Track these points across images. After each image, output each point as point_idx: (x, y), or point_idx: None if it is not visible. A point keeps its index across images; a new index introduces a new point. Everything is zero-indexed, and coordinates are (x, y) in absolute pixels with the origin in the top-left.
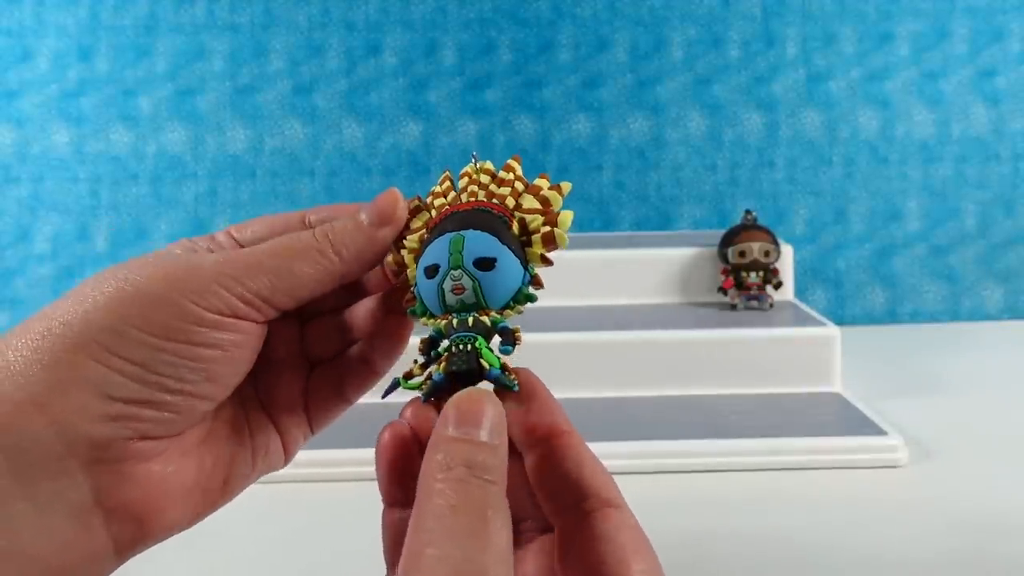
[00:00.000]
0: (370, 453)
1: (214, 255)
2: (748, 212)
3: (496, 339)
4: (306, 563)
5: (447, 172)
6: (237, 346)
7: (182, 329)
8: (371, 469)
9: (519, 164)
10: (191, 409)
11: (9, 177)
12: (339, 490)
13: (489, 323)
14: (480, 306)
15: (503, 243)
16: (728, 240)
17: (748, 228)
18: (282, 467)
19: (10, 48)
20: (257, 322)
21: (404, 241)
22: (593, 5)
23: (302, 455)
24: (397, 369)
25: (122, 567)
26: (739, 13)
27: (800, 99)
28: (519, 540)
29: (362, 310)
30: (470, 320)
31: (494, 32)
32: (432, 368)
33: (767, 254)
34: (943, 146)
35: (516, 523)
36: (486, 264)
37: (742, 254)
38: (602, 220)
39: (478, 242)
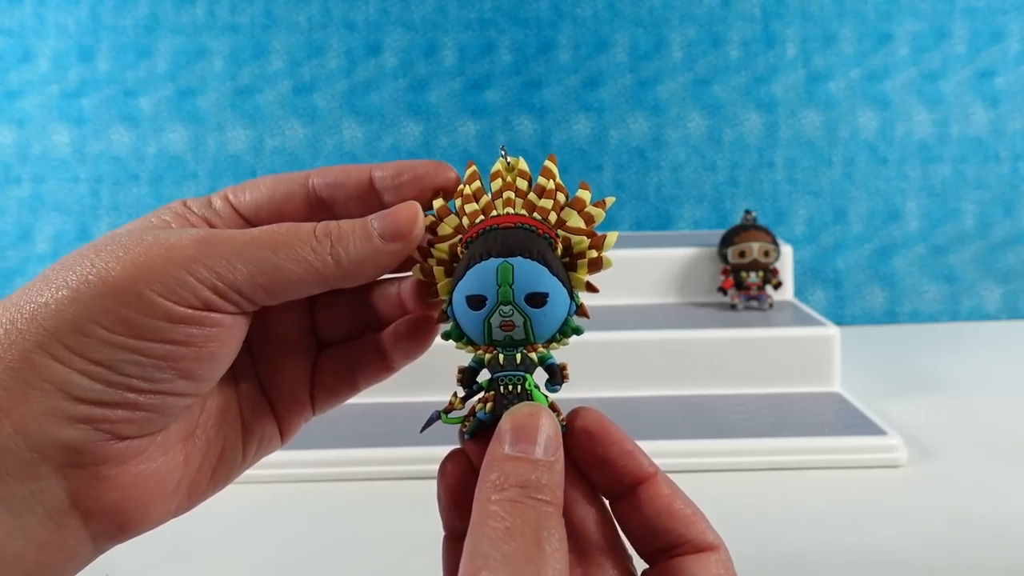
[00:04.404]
0: (371, 453)
1: (192, 234)
2: (748, 212)
3: (540, 372)
4: (306, 563)
5: (474, 167)
6: (213, 340)
7: (149, 327)
8: (372, 469)
9: (555, 165)
10: (167, 407)
11: (10, 177)
12: (339, 490)
13: (537, 359)
14: (528, 341)
15: (553, 273)
16: (728, 240)
17: (748, 228)
18: (278, 450)
19: (11, 48)
20: (233, 314)
21: (432, 249)
22: (593, 5)
23: (302, 455)
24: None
25: (120, 569)
26: (739, 13)
27: (800, 99)
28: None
29: (383, 293)
30: (518, 357)
31: (494, 32)
32: (475, 405)
33: (767, 254)
34: (942, 146)
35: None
36: (538, 300)
37: (742, 254)
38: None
39: (529, 274)
